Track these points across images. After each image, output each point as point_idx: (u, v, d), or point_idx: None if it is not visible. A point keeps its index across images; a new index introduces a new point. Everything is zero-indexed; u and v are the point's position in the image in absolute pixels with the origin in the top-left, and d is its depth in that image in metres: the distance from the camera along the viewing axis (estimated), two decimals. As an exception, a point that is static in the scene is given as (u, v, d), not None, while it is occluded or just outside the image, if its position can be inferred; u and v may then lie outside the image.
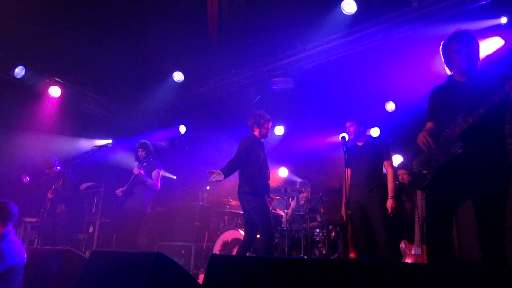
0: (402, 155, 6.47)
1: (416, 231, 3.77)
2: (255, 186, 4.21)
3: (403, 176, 5.29)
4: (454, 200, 2.60)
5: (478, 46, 2.72)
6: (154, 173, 5.42)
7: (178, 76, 7.47)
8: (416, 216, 3.82)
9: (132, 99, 8.05)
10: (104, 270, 2.66)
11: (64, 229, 5.88)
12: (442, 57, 2.83)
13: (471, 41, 2.71)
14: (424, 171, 2.67)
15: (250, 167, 4.24)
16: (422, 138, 2.73)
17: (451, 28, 4.99)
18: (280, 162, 7.99)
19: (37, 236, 5.86)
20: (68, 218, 5.87)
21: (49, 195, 5.68)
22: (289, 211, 5.81)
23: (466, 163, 2.52)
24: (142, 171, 5.23)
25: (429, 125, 2.92)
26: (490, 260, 2.40)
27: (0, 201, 3.24)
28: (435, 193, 2.67)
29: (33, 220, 6.12)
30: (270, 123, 4.53)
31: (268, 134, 4.56)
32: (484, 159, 2.48)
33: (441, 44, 2.84)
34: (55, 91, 6.85)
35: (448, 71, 2.85)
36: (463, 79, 2.74)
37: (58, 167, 5.93)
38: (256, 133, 4.49)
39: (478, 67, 2.72)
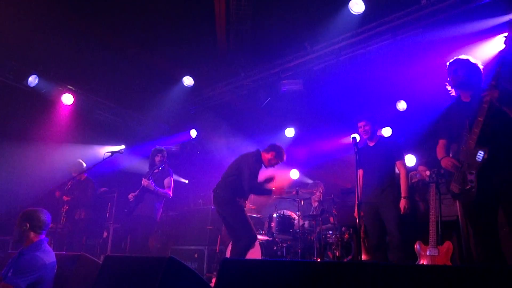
0: (415, 155, 6.38)
1: (431, 231, 3.70)
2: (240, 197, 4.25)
3: (422, 173, 5.20)
4: (496, 201, 2.84)
5: (478, 69, 3.06)
6: (166, 181, 5.42)
7: (188, 81, 7.52)
8: (431, 216, 3.76)
9: (144, 105, 8.12)
10: (117, 275, 2.68)
11: (82, 235, 5.96)
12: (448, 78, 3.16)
13: (469, 67, 3.04)
14: (467, 187, 2.86)
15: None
16: (448, 163, 3.02)
17: (462, 26, 4.96)
18: (291, 164, 7.95)
19: (52, 241, 5.95)
20: (87, 224, 5.96)
21: (65, 198, 5.76)
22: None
23: (494, 164, 2.77)
24: (151, 182, 5.21)
25: (441, 142, 3.24)
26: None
27: (32, 209, 3.20)
28: (482, 202, 2.86)
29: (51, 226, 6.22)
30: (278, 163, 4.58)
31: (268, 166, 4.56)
32: (505, 158, 2.76)
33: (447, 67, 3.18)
34: (67, 99, 6.96)
35: (453, 92, 3.19)
36: (468, 99, 3.06)
37: (85, 174, 6.03)
38: (265, 158, 4.47)
39: (481, 85, 3.03)
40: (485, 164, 2.76)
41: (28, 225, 3.09)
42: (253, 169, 4.23)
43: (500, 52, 2.84)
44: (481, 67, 3.08)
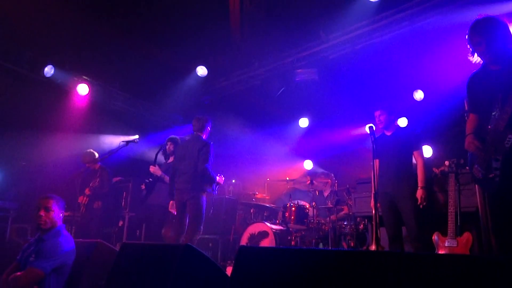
0: (432, 146, 6.26)
1: (449, 222, 3.64)
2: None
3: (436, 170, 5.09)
4: None
5: (504, 30, 2.52)
6: None
7: (201, 71, 7.49)
8: (450, 207, 3.68)
9: (158, 95, 8.14)
10: (134, 261, 2.71)
11: (99, 223, 6.05)
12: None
13: (491, 29, 2.53)
14: (491, 175, 2.51)
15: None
16: (471, 144, 2.61)
17: (485, 8, 4.78)
18: (305, 155, 7.91)
19: (70, 229, 6.04)
20: (103, 213, 6.04)
21: (87, 192, 5.85)
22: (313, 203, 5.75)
23: None
24: (158, 168, 5.24)
25: (472, 117, 2.78)
26: None
27: (56, 195, 3.28)
28: (505, 194, 2.50)
29: (67, 213, 6.33)
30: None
31: None
32: None
33: (466, 35, 2.67)
34: (82, 89, 7.01)
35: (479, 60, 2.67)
36: (497, 67, 2.58)
37: (99, 163, 6.09)
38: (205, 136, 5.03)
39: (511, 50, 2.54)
40: None
41: (57, 209, 3.17)
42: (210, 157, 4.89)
43: None
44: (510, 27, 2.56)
